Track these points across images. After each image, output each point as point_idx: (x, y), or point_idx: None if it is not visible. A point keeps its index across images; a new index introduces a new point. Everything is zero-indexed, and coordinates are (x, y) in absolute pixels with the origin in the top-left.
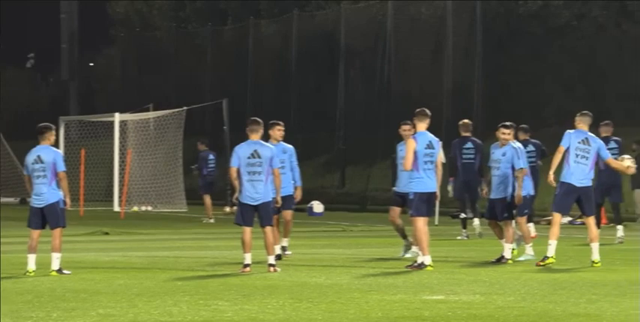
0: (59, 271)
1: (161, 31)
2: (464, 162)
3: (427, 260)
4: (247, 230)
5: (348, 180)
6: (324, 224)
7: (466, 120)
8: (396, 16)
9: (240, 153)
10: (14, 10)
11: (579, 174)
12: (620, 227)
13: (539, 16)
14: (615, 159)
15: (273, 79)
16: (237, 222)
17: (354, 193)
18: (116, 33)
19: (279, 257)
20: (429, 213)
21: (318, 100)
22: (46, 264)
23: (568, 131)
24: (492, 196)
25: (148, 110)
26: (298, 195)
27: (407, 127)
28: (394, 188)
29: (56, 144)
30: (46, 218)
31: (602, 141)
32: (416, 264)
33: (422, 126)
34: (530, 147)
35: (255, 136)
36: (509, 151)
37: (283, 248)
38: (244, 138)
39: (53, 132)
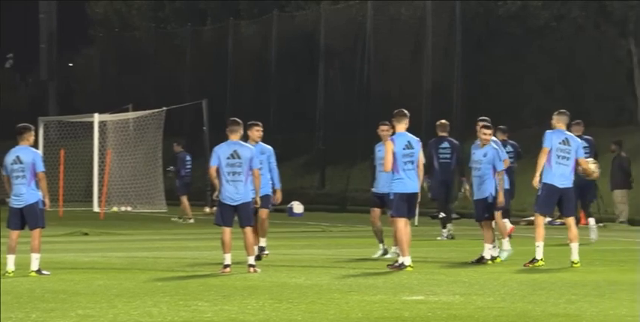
0: (38, 272)
1: (140, 31)
2: (441, 161)
3: (407, 260)
4: (227, 230)
5: (328, 180)
6: (303, 224)
7: (443, 121)
8: (375, 16)
9: (220, 153)
10: None
11: (561, 175)
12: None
13: (518, 17)
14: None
15: (252, 80)
16: (216, 222)
17: (334, 194)
18: (95, 33)
19: (258, 258)
20: (410, 213)
21: (298, 101)
22: (25, 265)
23: (548, 131)
24: (475, 197)
25: (127, 110)
26: (278, 198)
27: (385, 128)
28: (372, 189)
29: (35, 145)
30: (26, 218)
31: (580, 141)
32: (396, 265)
33: (401, 126)
34: (509, 148)
35: (235, 137)
36: (491, 152)
37: (261, 249)
38: (224, 138)
39: (32, 133)
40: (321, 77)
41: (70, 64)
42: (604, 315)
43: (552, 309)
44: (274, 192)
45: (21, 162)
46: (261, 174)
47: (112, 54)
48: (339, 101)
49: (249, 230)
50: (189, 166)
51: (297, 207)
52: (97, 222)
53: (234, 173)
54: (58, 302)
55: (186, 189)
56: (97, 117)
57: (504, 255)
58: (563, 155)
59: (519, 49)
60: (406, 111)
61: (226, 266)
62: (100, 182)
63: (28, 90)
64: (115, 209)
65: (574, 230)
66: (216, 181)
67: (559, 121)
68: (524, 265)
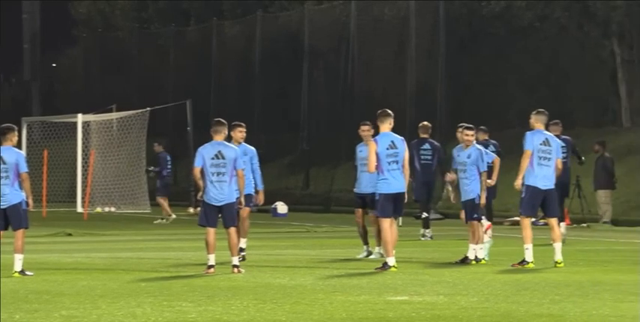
0: (22, 272)
1: (124, 31)
2: (422, 163)
3: (391, 261)
4: (211, 231)
5: (312, 181)
6: (288, 225)
7: (425, 123)
8: (359, 16)
9: (205, 153)
10: None
11: (543, 177)
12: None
13: (502, 17)
14: (565, 158)
15: (236, 80)
16: (201, 223)
17: (318, 194)
18: (78, 33)
19: (243, 259)
20: (395, 213)
21: (282, 101)
22: (8, 266)
23: (528, 133)
24: (462, 198)
25: (111, 111)
26: (261, 199)
27: (365, 128)
28: (355, 189)
29: (18, 145)
30: (9, 219)
31: (558, 141)
32: (380, 265)
33: (384, 126)
34: (491, 148)
35: (219, 137)
36: (474, 153)
37: (240, 250)
38: (208, 138)
39: (15, 133)
40: (305, 77)
41: (54, 65)
42: (587, 315)
43: (536, 309)
44: (256, 192)
45: (4, 163)
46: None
47: (95, 54)
48: (323, 101)
49: (233, 230)
50: (170, 166)
51: (281, 207)
52: (80, 223)
53: (218, 173)
54: (42, 303)
55: (167, 190)
56: (80, 118)
57: (487, 247)
58: (545, 156)
59: (503, 50)
60: (390, 111)
61: (210, 266)
62: (84, 182)
63: (12, 90)
64: (98, 209)
65: (557, 230)
66: (200, 182)
67: (537, 121)
68: (512, 265)
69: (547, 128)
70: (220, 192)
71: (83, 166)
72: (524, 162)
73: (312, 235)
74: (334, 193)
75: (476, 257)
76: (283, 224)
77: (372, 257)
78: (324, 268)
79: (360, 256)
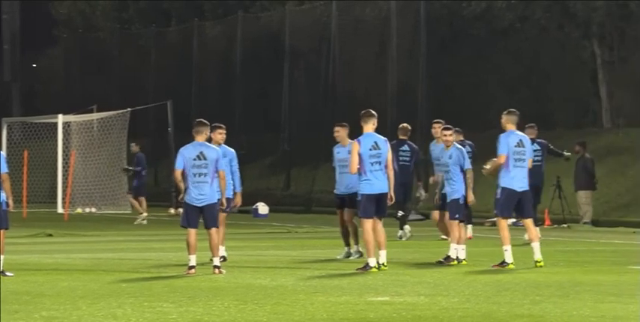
0: (2, 273)
1: (104, 31)
2: (400, 164)
3: (372, 262)
4: (192, 232)
5: (293, 181)
6: (269, 225)
7: (405, 124)
8: (340, 17)
9: (186, 154)
10: None
11: (519, 179)
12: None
13: (482, 18)
14: (540, 161)
15: (217, 81)
16: (182, 224)
17: (299, 195)
18: (59, 34)
19: (224, 259)
20: (378, 214)
21: (263, 102)
22: None
23: (502, 135)
24: (448, 198)
25: (91, 111)
26: (238, 201)
27: (336, 129)
28: (334, 191)
29: None
30: None
31: (530, 141)
32: (361, 266)
33: (368, 127)
34: (467, 148)
35: (201, 138)
36: (455, 153)
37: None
38: (189, 139)
39: None
40: (286, 78)
41: (34, 65)
42: (568, 316)
43: (517, 310)
44: (234, 194)
45: None
46: None
47: (76, 55)
48: (304, 102)
49: (214, 231)
50: (145, 166)
51: (262, 208)
52: (61, 223)
53: (200, 174)
54: (22, 304)
55: (143, 190)
56: (61, 118)
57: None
58: (519, 157)
59: (484, 50)
60: (373, 112)
61: (191, 267)
62: (64, 183)
63: None
64: (79, 210)
65: (533, 230)
66: (181, 184)
67: (508, 121)
68: (493, 266)
69: (521, 129)
70: (201, 192)
71: (64, 167)
72: (497, 164)
73: (293, 236)
74: (315, 194)
75: (457, 257)
76: (264, 224)
77: (351, 258)
78: (305, 269)
79: (340, 256)
